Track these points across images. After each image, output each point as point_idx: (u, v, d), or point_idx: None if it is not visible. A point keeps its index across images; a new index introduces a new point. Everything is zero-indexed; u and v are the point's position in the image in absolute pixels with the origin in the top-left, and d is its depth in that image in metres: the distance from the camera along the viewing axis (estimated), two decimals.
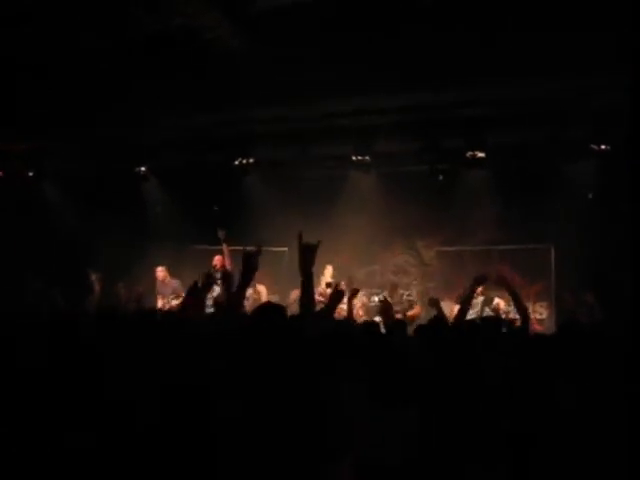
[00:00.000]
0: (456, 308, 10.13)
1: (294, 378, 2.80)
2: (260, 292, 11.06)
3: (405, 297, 10.94)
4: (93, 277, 10.47)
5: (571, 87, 9.01)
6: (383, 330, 5.32)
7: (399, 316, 9.66)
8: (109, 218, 12.57)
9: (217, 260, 11.02)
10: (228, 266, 10.67)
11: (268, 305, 3.41)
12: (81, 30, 8.97)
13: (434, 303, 6.27)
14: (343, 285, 8.77)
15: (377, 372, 3.34)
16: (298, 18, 8.48)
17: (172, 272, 11.80)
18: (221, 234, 10.71)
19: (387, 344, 3.74)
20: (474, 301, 10.22)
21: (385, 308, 5.96)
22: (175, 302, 10.64)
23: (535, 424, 3.05)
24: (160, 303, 11.26)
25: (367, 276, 12.60)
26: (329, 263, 11.38)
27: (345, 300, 5.02)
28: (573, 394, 3.19)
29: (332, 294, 4.30)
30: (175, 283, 11.51)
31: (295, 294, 10.91)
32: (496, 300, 10.17)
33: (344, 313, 7.89)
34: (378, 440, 2.98)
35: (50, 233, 12.88)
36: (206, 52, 9.33)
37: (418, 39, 8.66)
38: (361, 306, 11.03)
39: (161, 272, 11.58)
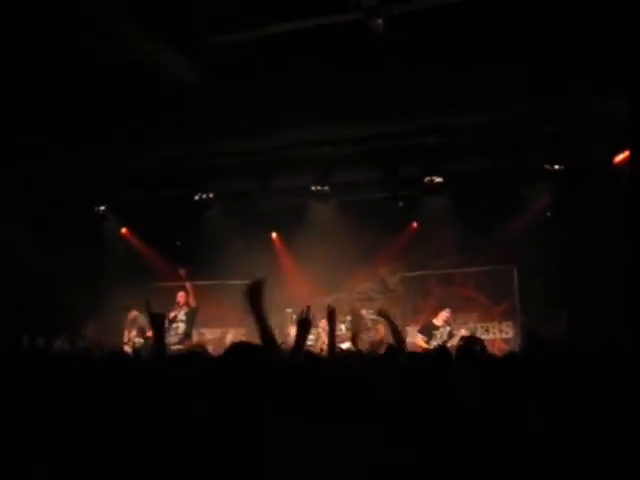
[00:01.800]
0: (419, 337, 10.22)
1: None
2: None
3: (369, 317, 10.94)
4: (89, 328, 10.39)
5: (522, 114, 9.23)
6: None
7: (366, 344, 9.64)
8: (69, 258, 12.38)
9: (180, 297, 10.89)
10: (192, 302, 10.57)
11: (240, 345, 3.37)
12: (36, 65, 8.88)
13: (382, 313, 6.20)
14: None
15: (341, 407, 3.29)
16: (255, 52, 8.53)
17: (138, 310, 11.58)
18: (182, 272, 10.58)
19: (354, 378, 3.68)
20: (439, 331, 10.29)
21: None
22: (138, 339, 10.51)
23: (505, 448, 3.04)
24: (125, 338, 11.04)
25: (333, 304, 12.56)
26: (293, 292, 11.39)
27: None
28: (542, 413, 3.20)
29: (297, 326, 4.18)
30: (143, 321, 11.24)
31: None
32: (462, 331, 10.18)
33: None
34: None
35: (9, 275, 12.61)
36: (162, 88, 9.31)
37: (375, 71, 8.79)
38: (327, 334, 10.97)
39: (132, 314, 11.24)
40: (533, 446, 2.98)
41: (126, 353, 4.12)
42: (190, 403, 3.12)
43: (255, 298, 3.83)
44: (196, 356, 4.17)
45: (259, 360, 3.09)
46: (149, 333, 9.81)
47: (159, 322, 3.84)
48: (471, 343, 4.45)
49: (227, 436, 2.75)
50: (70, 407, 3.22)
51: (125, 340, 10.92)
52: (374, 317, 10.99)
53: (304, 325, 4.10)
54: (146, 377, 3.66)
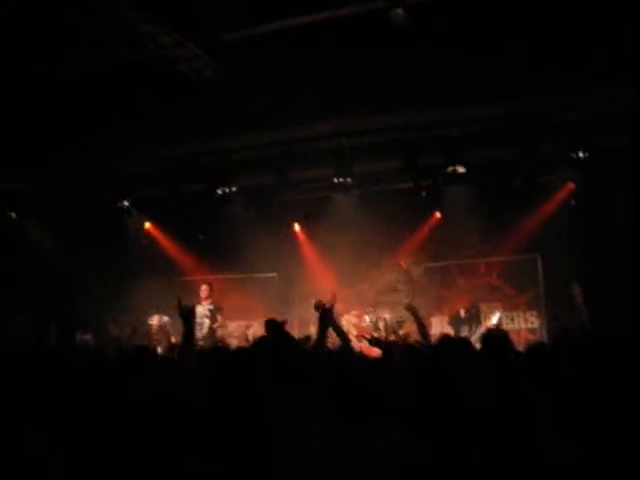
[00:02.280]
0: (448, 329, 10.20)
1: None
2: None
3: (394, 320, 10.88)
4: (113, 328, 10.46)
5: (545, 102, 9.15)
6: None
7: (392, 337, 9.64)
8: (93, 253, 12.51)
9: (204, 290, 10.93)
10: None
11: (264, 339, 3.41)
12: (57, 63, 8.96)
13: (410, 309, 6.19)
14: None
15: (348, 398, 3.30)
16: (274, 44, 8.52)
17: (160, 307, 11.53)
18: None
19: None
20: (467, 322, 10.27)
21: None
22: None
23: (524, 443, 3.02)
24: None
25: (357, 295, 12.58)
26: (317, 284, 11.40)
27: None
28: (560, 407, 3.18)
29: (319, 317, 4.17)
30: (165, 323, 11.10)
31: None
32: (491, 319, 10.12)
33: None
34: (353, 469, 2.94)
35: (35, 273, 12.76)
36: (183, 83, 9.35)
37: (396, 60, 8.74)
38: (353, 326, 10.99)
39: (155, 321, 11.11)
40: (550, 442, 2.96)
41: (149, 348, 4.12)
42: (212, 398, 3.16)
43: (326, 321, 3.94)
44: (220, 352, 4.21)
45: (281, 354, 3.12)
46: (174, 339, 9.82)
47: (190, 316, 3.87)
48: (494, 336, 4.43)
49: (242, 426, 2.78)
50: (93, 399, 3.26)
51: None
52: (400, 319, 10.88)
53: (324, 316, 4.11)
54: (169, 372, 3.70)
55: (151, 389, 3.34)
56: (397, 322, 10.60)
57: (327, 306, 4.11)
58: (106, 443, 2.95)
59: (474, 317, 10.49)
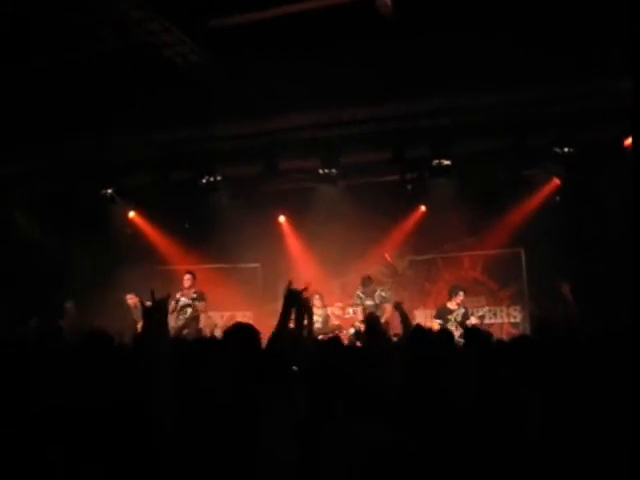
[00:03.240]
0: (435, 322, 10.21)
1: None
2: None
3: (379, 293, 10.91)
4: (68, 305, 10.32)
5: (532, 95, 9.16)
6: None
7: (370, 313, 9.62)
8: (76, 241, 12.42)
9: (187, 280, 10.88)
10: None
11: (239, 326, 3.36)
12: (40, 51, 8.87)
13: (398, 307, 6.21)
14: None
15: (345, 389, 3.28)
16: (260, 32, 8.46)
17: (143, 295, 11.50)
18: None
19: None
20: (453, 314, 10.28)
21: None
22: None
23: (507, 437, 3.01)
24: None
25: (341, 287, 12.57)
26: (301, 276, 11.36)
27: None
28: (541, 401, 3.17)
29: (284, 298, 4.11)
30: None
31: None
32: (472, 320, 10.15)
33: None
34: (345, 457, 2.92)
35: (19, 257, 12.64)
36: (168, 70, 9.27)
37: (383, 51, 8.71)
38: (336, 318, 11.00)
39: (131, 299, 11.14)
40: (536, 435, 2.96)
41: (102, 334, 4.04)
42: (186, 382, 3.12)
43: (292, 303, 3.87)
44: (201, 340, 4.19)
45: (253, 342, 3.09)
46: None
47: (162, 309, 3.81)
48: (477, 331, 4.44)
49: (221, 415, 2.75)
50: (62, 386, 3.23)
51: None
52: (384, 294, 10.95)
53: (289, 298, 4.05)
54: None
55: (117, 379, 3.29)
56: (381, 296, 10.66)
57: (295, 290, 4.09)
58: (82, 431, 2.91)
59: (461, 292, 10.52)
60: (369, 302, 10.81)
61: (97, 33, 8.39)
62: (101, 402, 3.01)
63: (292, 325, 4.00)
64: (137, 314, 10.82)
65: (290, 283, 4.13)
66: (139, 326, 10.39)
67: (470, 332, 4.62)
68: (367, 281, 11.07)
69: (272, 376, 3.04)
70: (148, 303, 3.61)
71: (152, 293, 3.89)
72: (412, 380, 3.38)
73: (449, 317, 10.24)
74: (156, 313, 3.66)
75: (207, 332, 10.59)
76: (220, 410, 2.79)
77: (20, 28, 8.35)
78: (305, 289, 4.18)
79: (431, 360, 3.55)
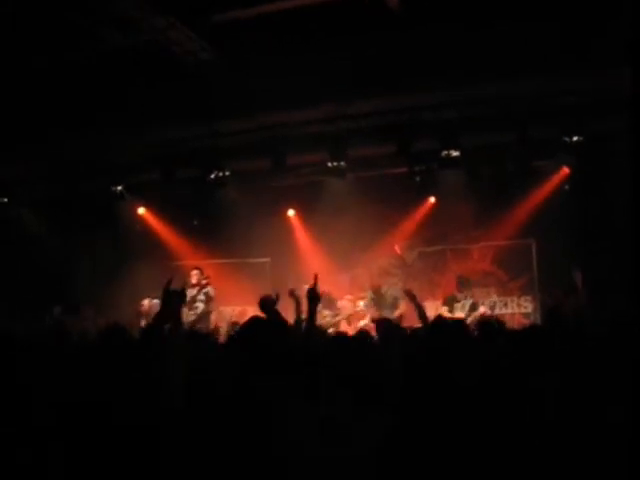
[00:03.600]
0: (442, 308, 10.22)
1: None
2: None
3: (389, 293, 10.92)
4: (84, 308, 10.41)
5: (540, 86, 9.12)
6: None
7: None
8: (87, 240, 12.47)
9: (194, 275, 10.92)
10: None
11: (256, 319, 3.37)
12: (48, 50, 8.89)
13: (408, 293, 6.22)
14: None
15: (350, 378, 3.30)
16: (266, 28, 8.47)
17: (152, 292, 11.49)
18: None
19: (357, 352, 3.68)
20: (460, 303, 10.29)
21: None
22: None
23: (515, 425, 3.02)
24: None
25: (351, 280, 12.59)
26: (310, 269, 11.37)
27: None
28: (555, 390, 3.18)
29: (307, 299, 4.19)
30: (156, 305, 11.11)
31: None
32: (481, 309, 10.17)
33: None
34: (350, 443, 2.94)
35: (29, 257, 12.71)
36: (176, 67, 9.29)
37: (388, 44, 8.70)
38: (347, 311, 11.01)
39: (144, 306, 11.10)
40: (543, 429, 2.96)
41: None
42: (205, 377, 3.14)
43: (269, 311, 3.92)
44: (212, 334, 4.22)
45: (274, 336, 3.10)
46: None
47: (177, 299, 3.86)
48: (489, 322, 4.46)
49: (238, 410, 2.76)
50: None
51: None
52: (395, 294, 10.96)
53: (312, 298, 4.14)
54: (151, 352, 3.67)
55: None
56: (392, 297, 10.64)
57: (311, 286, 4.15)
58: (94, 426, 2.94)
59: (467, 287, 10.52)
60: (384, 303, 10.80)
61: (101, 32, 8.40)
62: (115, 395, 3.04)
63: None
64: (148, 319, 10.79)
65: (316, 279, 4.17)
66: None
67: (483, 322, 4.64)
68: (376, 291, 11.01)
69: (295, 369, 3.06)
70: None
71: (168, 282, 3.92)
72: (417, 368, 3.39)
73: (456, 305, 10.25)
74: (172, 302, 3.69)
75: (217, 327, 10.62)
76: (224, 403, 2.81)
77: (21, 28, 8.38)
78: (315, 279, 4.23)
79: (446, 349, 3.56)
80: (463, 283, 10.54)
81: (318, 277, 4.24)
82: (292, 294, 5.49)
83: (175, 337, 3.69)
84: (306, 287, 9.94)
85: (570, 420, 3.02)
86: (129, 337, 3.94)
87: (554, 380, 3.29)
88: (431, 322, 4.14)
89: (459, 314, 10.05)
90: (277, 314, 3.97)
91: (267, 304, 4.03)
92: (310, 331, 4.00)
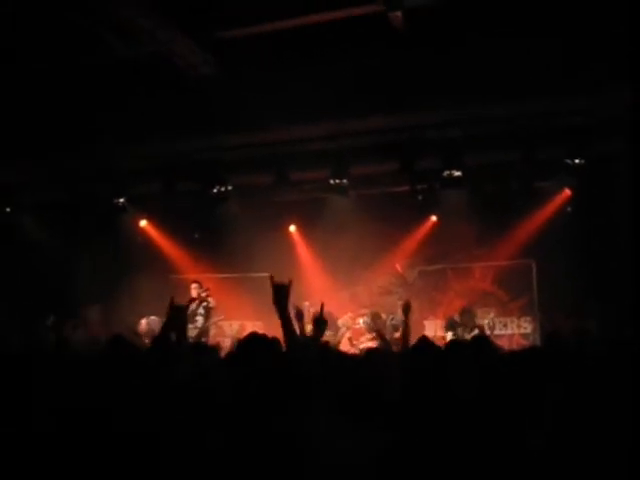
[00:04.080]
0: (448, 334, 10.18)
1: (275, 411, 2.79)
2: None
3: (389, 322, 10.88)
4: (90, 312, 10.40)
5: (544, 107, 9.14)
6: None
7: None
8: (88, 251, 12.48)
9: (194, 289, 10.93)
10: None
11: (255, 336, 3.37)
12: (52, 60, 8.94)
13: (406, 307, 6.11)
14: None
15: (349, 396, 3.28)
16: (269, 44, 8.51)
17: (153, 304, 11.43)
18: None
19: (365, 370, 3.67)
20: (461, 327, 10.27)
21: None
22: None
23: (512, 437, 3.01)
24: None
25: (351, 298, 12.57)
26: (311, 286, 11.37)
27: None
28: (553, 405, 3.17)
29: (313, 324, 4.18)
30: (154, 322, 10.97)
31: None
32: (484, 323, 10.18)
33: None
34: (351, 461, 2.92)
35: (28, 266, 12.70)
36: (180, 80, 9.33)
37: (392, 62, 8.74)
38: (348, 329, 10.99)
39: (143, 325, 11.00)
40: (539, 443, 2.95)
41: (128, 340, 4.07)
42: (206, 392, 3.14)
43: (281, 299, 3.87)
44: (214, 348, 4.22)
45: (273, 351, 3.10)
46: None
47: (182, 314, 3.87)
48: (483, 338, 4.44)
49: (242, 424, 2.75)
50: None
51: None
52: (395, 322, 10.90)
53: (320, 324, 4.12)
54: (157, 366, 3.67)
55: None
56: (392, 325, 10.59)
57: (318, 314, 4.12)
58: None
59: (469, 319, 10.48)
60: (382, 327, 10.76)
61: (104, 42, 8.44)
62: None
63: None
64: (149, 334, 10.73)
65: (322, 308, 4.12)
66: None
67: (477, 340, 4.62)
68: (376, 317, 10.99)
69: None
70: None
71: (171, 300, 3.94)
72: (414, 382, 3.39)
73: (457, 328, 10.23)
74: (176, 319, 3.71)
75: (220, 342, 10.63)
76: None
77: (25, 36, 8.43)
78: (322, 308, 4.20)
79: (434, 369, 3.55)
80: (464, 314, 10.50)
81: (324, 305, 4.22)
82: (298, 315, 5.37)
83: (181, 348, 3.71)
84: (306, 304, 9.97)
85: (568, 434, 3.00)
86: (135, 347, 3.94)
87: (552, 395, 3.28)
88: (413, 345, 4.14)
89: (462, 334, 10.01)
90: (287, 313, 3.91)
91: (280, 292, 3.94)
92: (315, 350, 4.00)
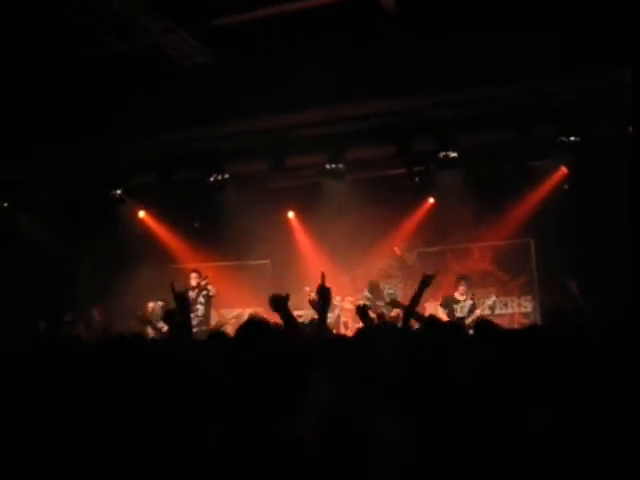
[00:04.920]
0: (440, 311, 10.24)
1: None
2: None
3: (386, 291, 10.99)
4: (95, 311, 10.48)
5: (537, 86, 9.13)
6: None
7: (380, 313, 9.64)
8: (87, 243, 12.50)
9: (193, 278, 10.98)
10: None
11: (253, 321, 3.38)
12: (46, 55, 8.92)
13: (394, 304, 6.10)
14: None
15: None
16: (266, 30, 8.49)
17: (154, 294, 11.53)
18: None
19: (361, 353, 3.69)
20: (459, 305, 10.34)
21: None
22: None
23: (514, 425, 3.04)
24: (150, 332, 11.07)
25: (351, 282, 12.61)
26: (311, 271, 11.40)
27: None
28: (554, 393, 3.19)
29: (317, 295, 4.19)
30: (159, 307, 11.17)
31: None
32: (477, 312, 10.28)
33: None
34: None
35: (27, 262, 12.71)
36: (174, 70, 9.31)
37: (385, 45, 8.72)
38: (348, 312, 11.04)
39: (151, 305, 11.24)
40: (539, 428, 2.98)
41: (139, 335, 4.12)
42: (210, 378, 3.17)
43: (281, 310, 3.94)
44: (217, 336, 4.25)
45: (274, 335, 3.12)
46: (160, 325, 9.88)
47: (185, 301, 3.92)
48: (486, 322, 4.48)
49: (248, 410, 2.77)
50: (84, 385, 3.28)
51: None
52: (392, 291, 11.03)
53: (323, 293, 4.12)
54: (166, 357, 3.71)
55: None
56: (389, 294, 10.71)
57: (321, 284, 4.16)
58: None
59: (466, 285, 10.58)
60: (379, 302, 10.87)
61: (98, 35, 8.42)
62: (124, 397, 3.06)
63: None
64: (155, 318, 10.85)
65: (323, 279, 4.15)
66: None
67: (480, 324, 4.65)
68: (373, 286, 11.11)
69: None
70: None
71: (172, 286, 3.97)
72: (415, 365, 3.42)
73: (455, 306, 10.30)
74: (182, 307, 3.75)
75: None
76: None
77: (21, 33, 8.41)
78: (323, 278, 4.23)
79: (438, 349, 3.57)
80: (461, 280, 10.61)
81: (325, 275, 4.23)
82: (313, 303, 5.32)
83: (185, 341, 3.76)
84: (307, 289, 9.98)
85: (568, 423, 3.04)
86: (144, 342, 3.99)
87: (553, 375, 3.31)
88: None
89: (458, 315, 10.09)
90: (289, 313, 3.96)
91: (278, 303, 4.00)
92: (321, 330, 4.04)
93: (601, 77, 8.62)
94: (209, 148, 11.12)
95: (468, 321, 9.60)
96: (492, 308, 10.99)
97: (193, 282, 10.93)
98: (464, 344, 3.65)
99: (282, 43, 8.75)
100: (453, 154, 10.28)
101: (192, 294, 10.61)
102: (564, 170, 11.05)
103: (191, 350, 3.78)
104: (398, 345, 3.94)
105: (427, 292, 11.50)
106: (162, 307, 10.68)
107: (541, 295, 11.48)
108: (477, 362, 3.44)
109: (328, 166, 10.92)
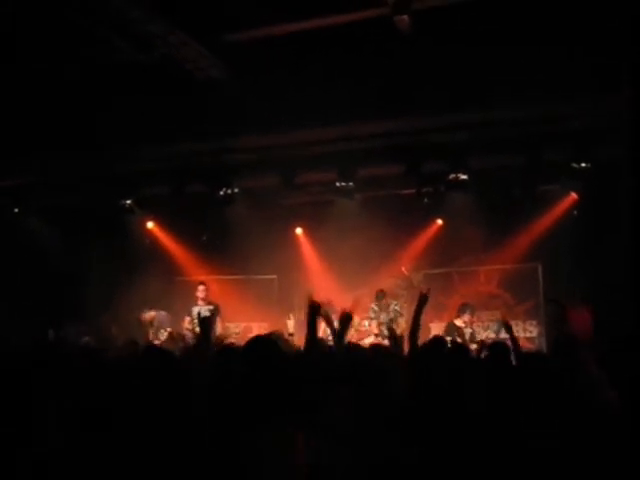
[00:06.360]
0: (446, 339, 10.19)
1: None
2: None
3: (392, 307, 10.96)
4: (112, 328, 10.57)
5: (550, 111, 9.14)
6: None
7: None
8: (94, 251, 12.53)
9: (201, 291, 10.98)
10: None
11: (259, 339, 3.40)
12: (63, 62, 9.00)
13: (389, 330, 6.10)
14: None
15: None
16: (279, 47, 8.55)
17: (160, 305, 11.54)
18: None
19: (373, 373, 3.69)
20: (460, 333, 10.33)
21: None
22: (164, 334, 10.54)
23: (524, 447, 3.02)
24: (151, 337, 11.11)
25: (357, 300, 12.55)
26: (314, 288, 11.39)
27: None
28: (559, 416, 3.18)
29: (341, 318, 4.30)
30: (162, 316, 11.21)
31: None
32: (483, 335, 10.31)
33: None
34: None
35: (34, 267, 12.73)
36: (187, 83, 9.38)
37: (398, 65, 8.77)
38: (353, 331, 11.00)
39: (149, 315, 11.29)
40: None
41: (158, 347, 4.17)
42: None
43: (311, 318, 3.97)
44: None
45: (279, 353, 3.12)
46: (167, 331, 9.93)
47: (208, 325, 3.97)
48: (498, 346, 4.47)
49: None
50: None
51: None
52: (397, 308, 11.01)
53: (345, 321, 4.20)
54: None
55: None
56: (395, 310, 10.70)
57: (347, 310, 4.21)
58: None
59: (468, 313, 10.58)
60: (384, 316, 10.86)
61: (117, 45, 8.48)
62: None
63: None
64: (154, 329, 10.89)
65: (310, 296, 4.19)
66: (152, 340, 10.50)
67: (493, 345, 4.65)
68: (380, 295, 11.11)
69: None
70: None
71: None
72: (423, 391, 3.40)
73: (456, 335, 10.26)
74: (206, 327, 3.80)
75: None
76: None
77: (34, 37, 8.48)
78: (329, 303, 4.32)
79: (445, 373, 3.56)
80: (462, 308, 10.59)
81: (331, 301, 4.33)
82: (326, 316, 5.31)
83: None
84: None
85: (574, 439, 3.02)
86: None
87: (557, 402, 3.30)
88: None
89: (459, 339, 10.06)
90: (315, 325, 3.99)
91: (314, 310, 4.02)
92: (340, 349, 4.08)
93: (613, 102, 8.61)
94: (219, 162, 11.17)
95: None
96: (497, 332, 10.93)
97: (200, 294, 10.93)
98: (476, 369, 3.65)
99: (295, 60, 8.81)
100: (463, 176, 10.29)
101: (199, 308, 10.59)
102: (574, 196, 11.04)
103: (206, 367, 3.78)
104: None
105: (432, 313, 11.60)
106: (165, 316, 10.82)
107: (547, 319, 11.42)
108: (489, 387, 3.44)
109: (338, 184, 10.95)
